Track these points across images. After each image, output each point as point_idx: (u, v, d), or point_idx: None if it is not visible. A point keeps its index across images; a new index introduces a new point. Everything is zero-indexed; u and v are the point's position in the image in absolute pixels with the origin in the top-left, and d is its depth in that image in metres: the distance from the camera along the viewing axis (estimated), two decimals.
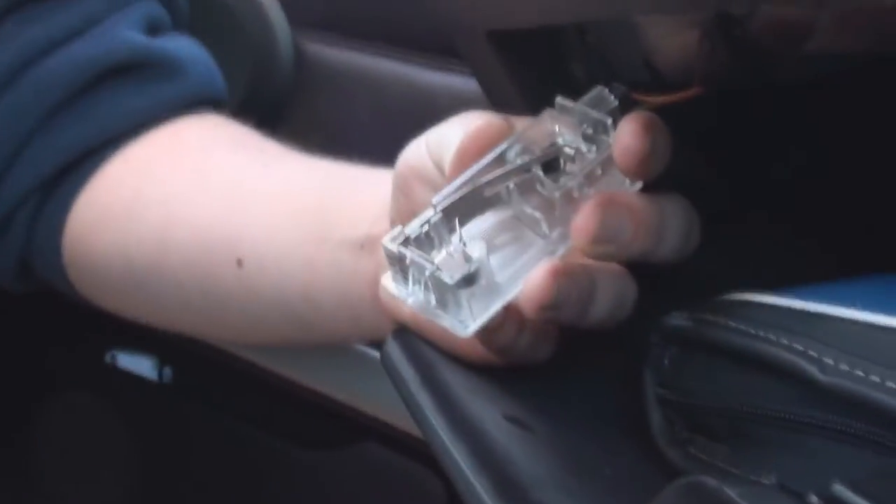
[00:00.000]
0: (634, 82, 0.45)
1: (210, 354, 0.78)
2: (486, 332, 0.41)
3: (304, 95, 0.77)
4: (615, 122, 0.40)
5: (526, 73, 0.50)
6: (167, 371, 0.85)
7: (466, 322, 0.39)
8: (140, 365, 0.85)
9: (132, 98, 0.65)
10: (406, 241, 0.40)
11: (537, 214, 0.40)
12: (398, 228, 0.40)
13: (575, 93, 0.43)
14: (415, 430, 0.42)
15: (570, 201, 0.40)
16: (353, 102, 0.75)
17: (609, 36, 0.46)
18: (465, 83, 0.68)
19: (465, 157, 0.42)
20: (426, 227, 0.40)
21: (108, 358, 0.86)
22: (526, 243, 0.41)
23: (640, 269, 0.42)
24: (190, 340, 0.68)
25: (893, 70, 0.38)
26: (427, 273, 0.39)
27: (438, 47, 0.70)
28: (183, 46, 0.68)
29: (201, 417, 0.86)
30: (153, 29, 0.68)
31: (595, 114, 0.40)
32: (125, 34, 0.65)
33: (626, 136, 0.39)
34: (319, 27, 0.77)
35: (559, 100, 0.41)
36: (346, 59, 0.76)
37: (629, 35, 0.45)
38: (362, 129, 0.75)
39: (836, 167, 0.45)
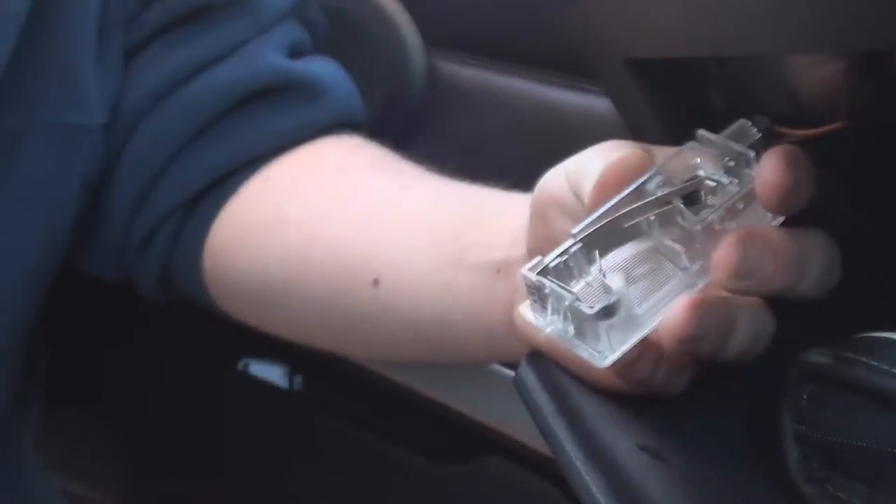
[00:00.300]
0: (777, 113, 0.45)
1: (339, 364, 0.80)
2: (623, 365, 0.41)
3: (438, 114, 0.78)
4: (758, 156, 0.40)
5: (664, 100, 0.50)
6: (298, 379, 0.87)
7: (605, 353, 0.39)
8: (271, 373, 0.87)
9: (275, 120, 0.67)
10: (545, 271, 0.40)
11: (677, 247, 0.40)
12: (537, 258, 0.41)
13: (714, 122, 0.43)
14: (539, 445, 0.43)
15: (712, 234, 0.40)
16: (486, 121, 0.76)
17: (751, 66, 0.46)
18: (597, 102, 0.68)
19: (606, 187, 0.42)
20: (565, 257, 0.40)
21: (240, 366, 0.88)
22: (665, 276, 0.41)
23: (778, 302, 0.42)
24: (320, 350, 0.69)
25: None
26: (566, 303, 0.39)
27: (570, 66, 0.71)
28: (324, 69, 0.70)
29: (329, 426, 0.88)
30: (295, 52, 0.70)
31: (737, 146, 0.40)
32: (268, 57, 0.67)
33: (769, 170, 0.39)
34: (453, 46, 0.78)
35: (701, 132, 0.41)
36: (478, 77, 0.77)
37: (771, 66, 0.45)
38: (495, 148, 0.76)
39: None
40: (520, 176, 0.53)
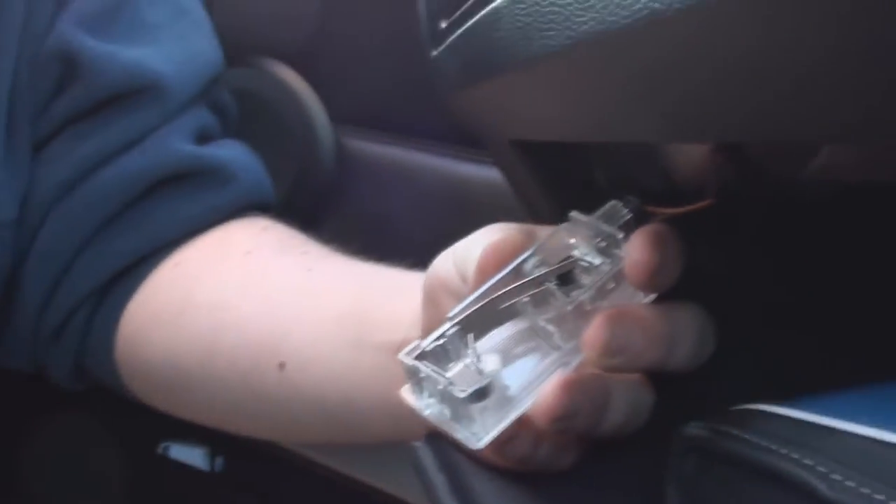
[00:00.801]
0: (652, 192, 0.46)
1: (260, 445, 0.80)
2: (501, 444, 0.42)
3: (347, 190, 0.79)
4: (627, 235, 0.41)
5: (549, 178, 0.51)
6: (219, 461, 0.87)
7: (479, 435, 0.40)
8: (192, 455, 0.87)
9: (184, 206, 0.68)
10: (422, 355, 0.41)
11: (550, 327, 0.42)
12: (415, 342, 0.42)
13: (599, 198, 0.45)
14: None
15: (583, 314, 0.41)
16: (393, 196, 0.77)
17: (629, 148, 0.47)
18: (499, 174, 0.69)
19: (485, 270, 0.43)
20: (442, 341, 0.41)
21: (160, 449, 0.88)
22: (541, 355, 0.42)
23: (662, 376, 0.43)
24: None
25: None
26: (440, 387, 0.40)
27: (474, 140, 0.72)
28: (232, 153, 0.71)
29: None
30: (204, 136, 0.70)
31: (607, 228, 0.42)
32: (176, 145, 0.68)
33: (636, 250, 0.40)
34: (359, 123, 0.80)
35: (573, 214, 0.43)
36: (385, 153, 0.78)
37: (646, 148, 0.46)
38: (403, 222, 0.77)
39: (854, 280, 0.45)
40: (428, 250, 0.54)
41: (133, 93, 0.68)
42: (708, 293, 0.43)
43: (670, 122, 0.34)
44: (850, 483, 0.35)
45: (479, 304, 0.42)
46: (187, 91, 0.70)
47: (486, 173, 0.72)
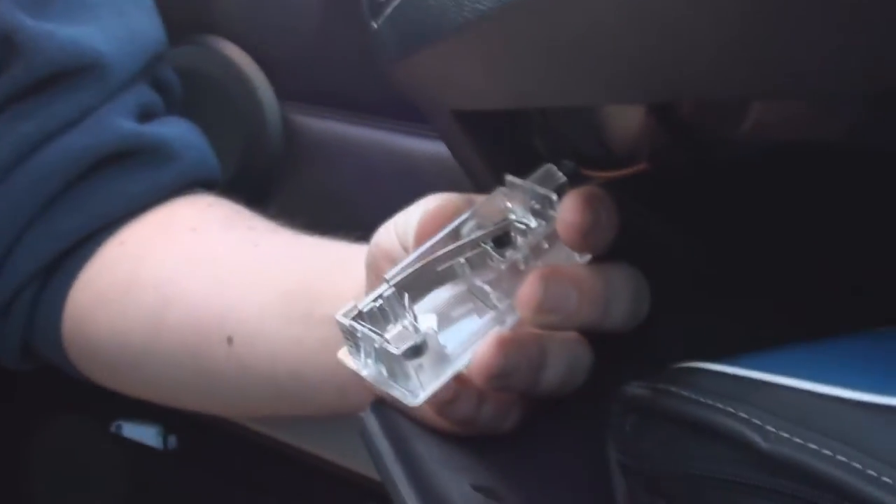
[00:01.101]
0: (589, 157, 0.47)
1: (212, 421, 0.80)
2: (443, 404, 0.42)
3: (294, 165, 0.79)
4: (562, 198, 0.42)
5: (490, 147, 0.51)
6: (172, 439, 0.87)
7: (416, 391, 0.41)
8: (145, 434, 0.87)
9: (127, 185, 0.68)
10: (359, 316, 0.42)
11: (487, 288, 0.42)
12: (351, 303, 0.42)
13: (539, 166, 0.45)
14: None
15: (518, 274, 0.42)
16: (339, 170, 0.77)
17: (567, 115, 0.48)
18: (445, 148, 0.70)
19: (424, 235, 0.43)
20: (379, 302, 0.42)
21: (113, 427, 0.88)
22: (478, 315, 0.42)
23: (605, 337, 0.44)
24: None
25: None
26: (376, 345, 0.41)
27: (419, 114, 0.72)
28: (176, 130, 0.71)
29: (206, 484, 0.87)
30: (147, 114, 0.70)
31: (541, 190, 0.42)
32: (118, 123, 0.67)
33: (568, 210, 0.41)
34: (306, 99, 0.79)
35: (509, 177, 0.43)
36: (331, 129, 0.78)
37: (584, 114, 0.47)
38: (351, 197, 0.77)
39: (788, 237, 0.46)
40: (376, 224, 0.54)
41: (73, 71, 0.67)
42: (643, 255, 0.43)
43: (601, 84, 0.34)
44: (784, 434, 0.35)
45: (416, 267, 0.42)
46: (128, 69, 0.69)
47: (433, 147, 0.73)
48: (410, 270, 0.42)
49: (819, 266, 0.45)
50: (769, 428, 0.36)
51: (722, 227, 0.46)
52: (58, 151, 0.66)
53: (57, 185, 0.66)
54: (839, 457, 0.33)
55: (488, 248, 0.42)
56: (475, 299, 0.42)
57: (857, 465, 0.33)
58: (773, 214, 0.45)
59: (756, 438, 0.36)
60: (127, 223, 0.68)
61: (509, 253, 0.42)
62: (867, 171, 0.42)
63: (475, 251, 0.42)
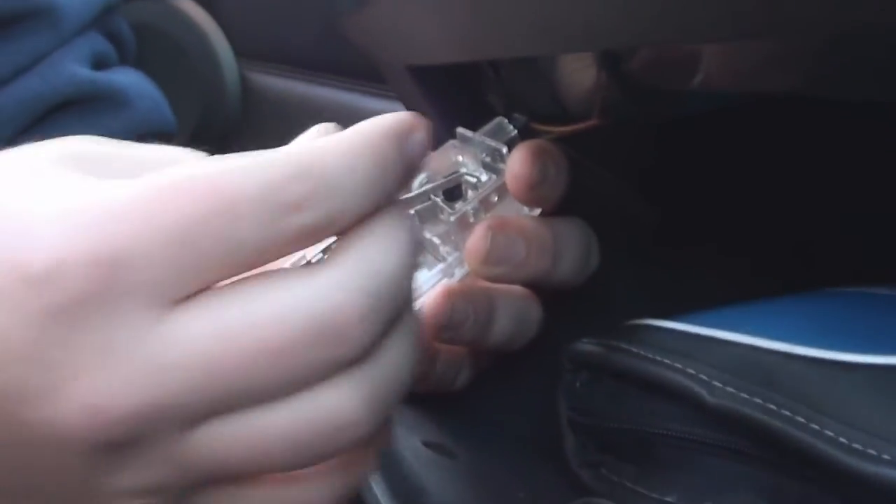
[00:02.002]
0: (543, 113, 0.46)
1: None
2: None
3: (252, 124, 0.79)
4: (511, 151, 0.42)
5: (446, 103, 0.51)
6: None
7: None
8: None
9: (80, 131, 0.66)
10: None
11: (435, 240, 0.42)
12: (300, 254, 0.41)
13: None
14: None
15: (467, 227, 0.42)
16: (298, 130, 0.76)
17: (520, 70, 0.48)
18: (404, 109, 0.69)
19: None
20: (327, 254, 0.41)
21: None
22: (427, 267, 0.42)
23: (556, 291, 0.44)
24: None
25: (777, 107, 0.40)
26: None
27: (378, 74, 0.72)
28: (129, 79, 0.70)
29: None
30: (100, 63, 0.69)
31: (492, 143, 0.42)
32: (71, 68, 0.66)
33: (516, 163, 0.40)
34: (264, 58, 0.79)
35: (460, 130, 0.43)
36: (290, 88, 0.77)
37: (537, 70, 0.46)
38: None
39: (738, 197, 0.46)
40: None
41: (25, 15, 0.66)
42: (594, 210, 0.43)
43: (549, 32, 0.34)
44: (730, 388, 0.36)
45: None
46: (81, 15, 0.68)
47: (391, 108, 0.72)
48: None
49: (767, 223, 0.46)
50: (715, 383, 0.36)
51: (672, 184, 0.46)
52: (9, 97, 0.65)
53: (9, 132, 0.65)
54: (784, 411, 0.33)
55: (438, 200, 0.42)
56: (424, 252, 0.42)
57: (801, 419, 0.33)
58: (722, 171, 0.45)
59: (703, 393, 0.36)
60: None
61: (458, 206, 0.42)
62: (818, 125, 0.42)
63: (425, 204, 0.42)
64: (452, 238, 0.42)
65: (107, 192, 0.28)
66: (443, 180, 0.42)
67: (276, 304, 0.28)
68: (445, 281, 0.42)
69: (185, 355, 0.27)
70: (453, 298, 0.41)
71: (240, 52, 0.79)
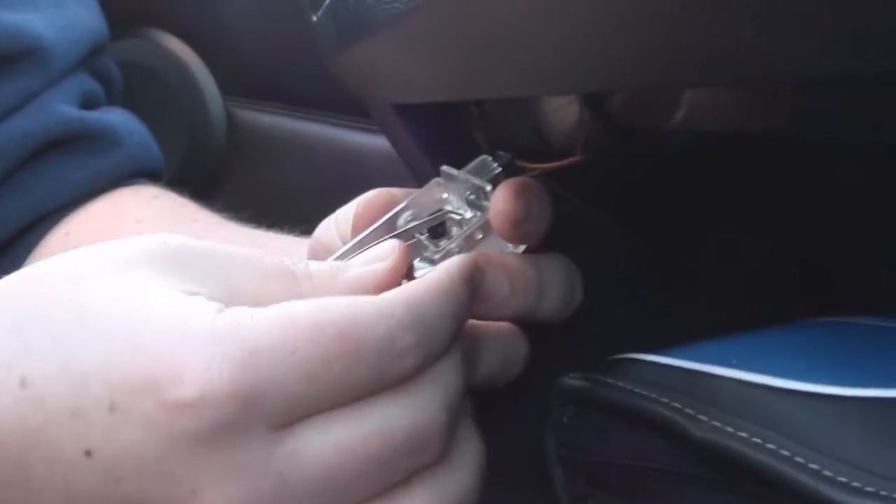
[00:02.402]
0: (528, 150, 0.47)
1: None
2: None
3: (239, 159, 0.79)
4: (496, 188, 0.42)
5: (431, 140, 0.52)
6: None
7: None
8: None
9: (70, 171, 0.67)
10: None
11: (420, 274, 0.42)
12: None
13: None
14: None
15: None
16: (284, 165, 0.77)
17: (504, 108, 0.48)
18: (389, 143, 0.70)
19: (360, 225, 0.43)
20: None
21: None
22: None
23: (540, 327, 0.44)
24: None
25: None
26: None
27: (362, 109, 0.72)
28: (118, 118, 0.70)
29: None
30: (88, 103, 0.70)
31: (475, 180, 0.42)
32: (61, 108, 0.67)
33: (500, 201, 0.41)
34: (249, 95, 0.79)
35: (444, 168, 0.43)
36: (276, 124, 0.78)
37: (521, 107, 0.47)
38: (295, 190, 0.77)
39: (722, 228, 0.47)
40: (320, 218, 0.54)
41: (14, 56, 0.66)
42: (578, 245, 0.44)
43: (529, 75, 0.35)
44: (716, 423, 0.36)
45: (352, 256, 0.42)
46: (69, 56, 0.69)
47: (377, 142, 0.73)
48: (345, 259, 0.42)
49: (751, 254, 0.46)
50: (701, 417, 0.36)
51: (657, 216, 0.46)
52: (0, 137, 0.66)
53: (0, 171, 0.66)
54: (769, 445, 0.34)
55: (423, 238, 0.42)
56: None
57: (786, 453, 0.33)
58: (705, 202, 0.46)
59: (689, 427, 0.36)
60: (72, 213, 0.67)
61: (443, 243, 0.42)
62: (797, 161, 0.43)
63: (410, 242, 0.42)
64: None
65: (245, 322, 0.31)
66: (428, 217, 0.42)
67: (382, 420, 0.33)
68: None
69: (306, 469, 0.31)
70: None
71: (225, 88, 0.80)
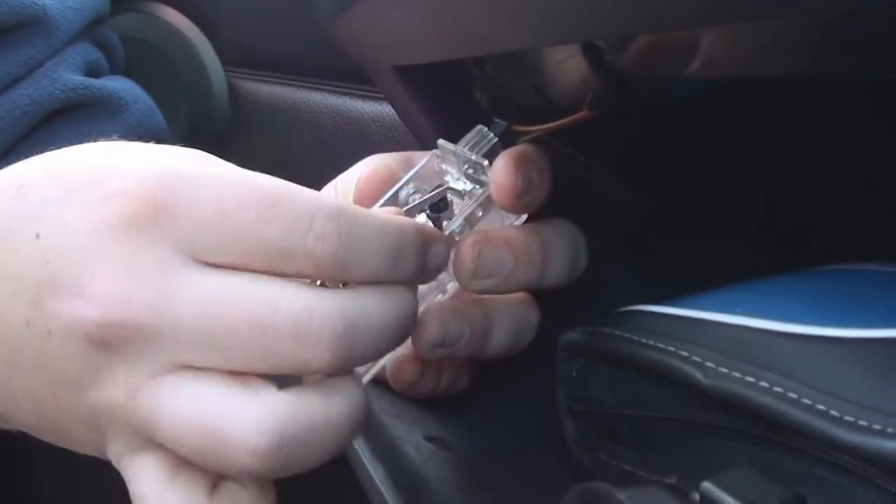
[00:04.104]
0: (530, 109, 0.47)
1: None
2: (408, 386, 0.43)
3: (241, 132, 0.79)
4: (493, 160, 0.42)
5: (433, 102, 0.52)
6: None
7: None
8: None
9: (77, 138, 0.66)
10: None
11: None
12: None
13: (480, 120, 0.45)
14: None
15: (453, 244, 0.42)
16: (288, 135, 0.77)
17: (505, 66, 0.48)
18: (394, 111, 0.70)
19: (362, 201, 0.44)
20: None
21: None
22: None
23: (555, 291, 0.44)
24: None
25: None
26: None
27: (366, 77, 0.72)
28: (122, 85, 0.71)
29: None
30: (92, 71, 0.70)
31: (472, 155, 0.42)
32: (65, 76, 0.67)
33: (500, 174, 0.41)
34: (251, 65, 0.79)
35: (441, 142, 0.43)
36: (278, 93, 0.78)
37: (522, 64, 0.47)
38: (300, 159, 0.77)
39: (727, 182, 0.47)
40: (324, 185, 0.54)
41: (18, 26, 0.67)
42: (584, 203, 0.44)
43: (531, 25, 0.35)
44: (723, 369, 0.36)
45: None
46: (72, 24, 0.69)
47: (382, 109, 0.73)
48: None
49: (758, 207, 0.46)
50: (708, 364, 0.37)
51: (661, 173, 0.46)
52: (6, 106, 0.66)
53: (7, 140, 0.66)
54: (776, 388, 0.34)
55: (425, 216, 0.42)
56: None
57: (794, 395, 0.33)
58: (710, 157, 0.46)
59: (696, 374, 0.37)
60: None
61: (445, 224, 0.42)
62: (807, 109, 0.43)
63: (414, 217, 0.42)
64: None
65: (189, 164, 0.34)
66: (430, 194, 0.42)
67: (278, 292, 0.33)
68: (439, 297, 0.42)
69: (194, 300, 0.32)
70: (444, 317, 0.41)
71: (227, 60, 0.80)
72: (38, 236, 0.34)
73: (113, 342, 0.33)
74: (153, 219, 0.33)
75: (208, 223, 0.33)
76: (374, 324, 0.34)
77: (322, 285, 0.35)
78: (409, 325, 0.35)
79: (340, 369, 0.33)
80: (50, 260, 0.33)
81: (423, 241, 0.36)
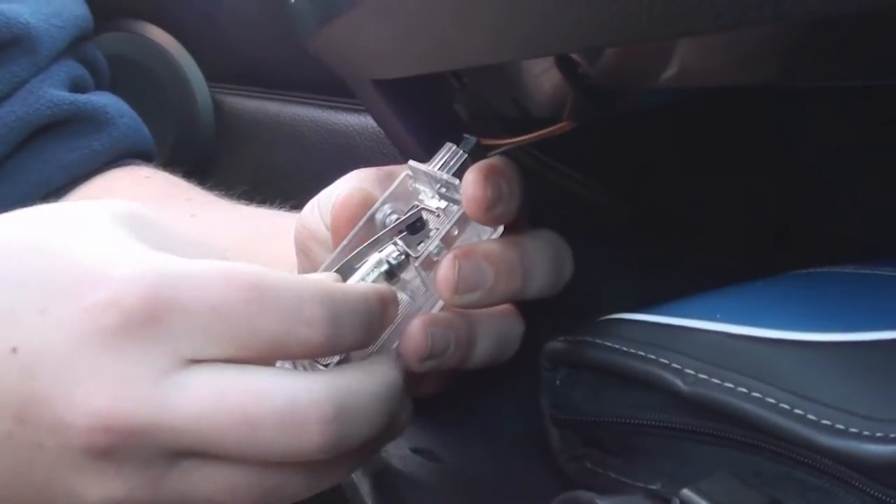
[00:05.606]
0: (509, 121, 0.47)
1: None
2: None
3: (226, 146, 0.79)
4: (463, 176, 0.42)
5: (414, 115, 0.52)
6: None
7: None
8: None
9: (64, 153, 0.68)
10: None
11: (407, 276, 0.42)
12: None
13: (462, 131, 0.45)
14: None
15: (432, 264, 0.42)
16: (273, 148, 0.78)
17: (483, 79, 0.48)
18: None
19: (339, 225, 0.44)
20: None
21: None
22: (406, 302, 0.43)
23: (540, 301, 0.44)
24: None
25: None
26: None
27: (349, 90, 0.73)
28: (107, 100, 0.71)
29: None
30: (77, 88, 0.70)
31: (443, 175, 0.42)
32: (51, 92, 0.68)
33: (469, 187, 0.41)
34: (236, 81, 0.80)
35: (411, 163, 0.43)
36: (262, 108, 0.78)
37: (500, 77, 0.47)
38: (286, 173, 0.77)
39: (708, 187, 0.47)
40: (311, 198, 0.54)
41: (2, 45, 0.67)
42: (567, 212, 0.44)
43: (498, 41, 0.35)
44: (702, 375, 0.36)
45: (338, 264, 0.42)
46: (57, 42, 0.70)
47: (365, 121, 0.73)
48: (334, 267, 0.42)
49: (739, 211, 0.46)
50: (688, 371, 0.37)
51: (642, 178, 0.46)
52: None
53: None
54: (754, 393, 0.34)
55: (401, 238, 0.42)
56: (400, 288, 0.42)
57: (771, 400, 0.34)
58: (691, 162, 0.46)
59: (677, 382, 0.37)
60: (67, 195, 0.68)
61: (421, 246, 0.42)
62: (786, 113, 0.43)
63: (391, 240, 0.42)
64: (423, 272, 0.42)
65: (171, 259, 0.34)
66: (405, 216, 0.42)
67: (265, 383, 0.33)
68: (424, 312, 0.42)
69: (189, 400, 0.33)
70: (431, 330, 0.41)
71: (211, 75, 0.80)
72: (14, 350, 0.33)
73: (113, 451, 0.33)
74: (144, 327, 0.33)
75: (201, 323, 0.33)
76: (362, 403, 0.35)
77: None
78: (396, 398, 0.36)
79: (333, 452, 0.34)
80: (34, 376, 0.33)
81: (385, 306, 0.37)
